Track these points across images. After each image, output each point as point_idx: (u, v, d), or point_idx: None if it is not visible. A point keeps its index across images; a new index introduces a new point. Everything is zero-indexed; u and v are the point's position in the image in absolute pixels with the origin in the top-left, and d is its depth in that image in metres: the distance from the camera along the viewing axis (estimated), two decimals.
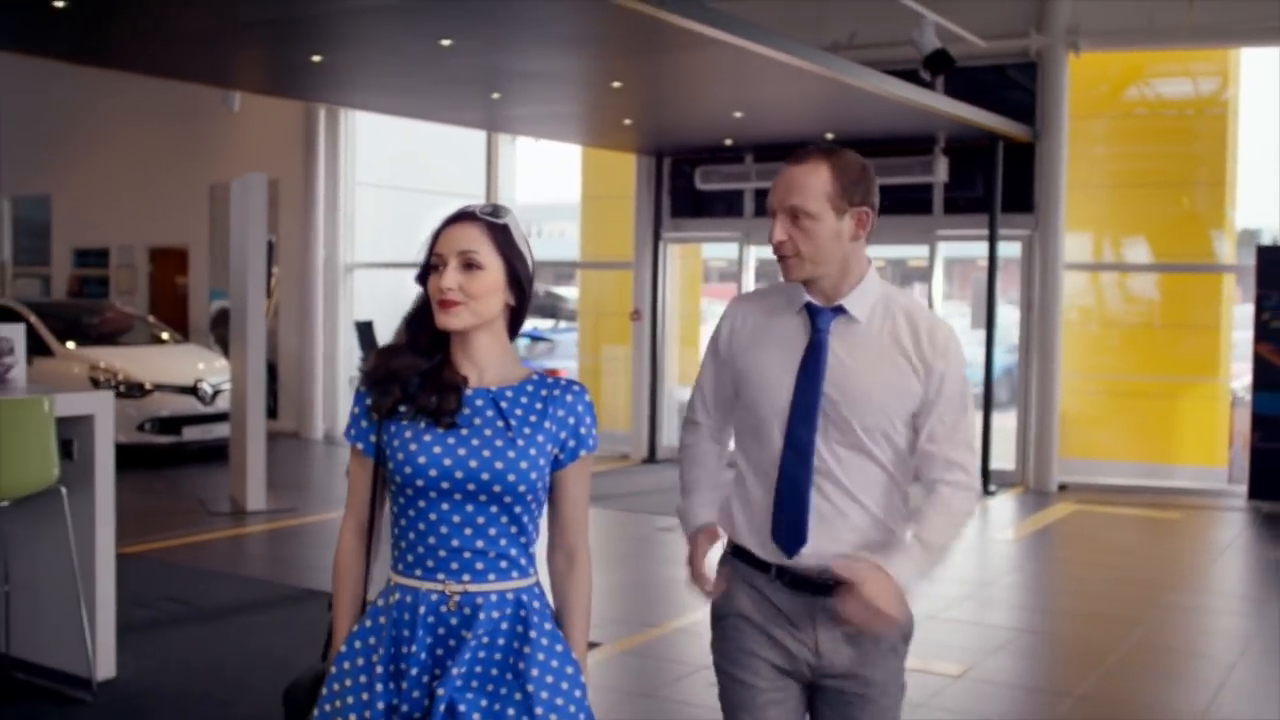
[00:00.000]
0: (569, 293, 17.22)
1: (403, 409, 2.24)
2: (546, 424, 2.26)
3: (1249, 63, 11.22)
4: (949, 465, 2.52)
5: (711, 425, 2.76)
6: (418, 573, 2.21)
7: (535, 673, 2.18)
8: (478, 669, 2.17)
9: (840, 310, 2.54)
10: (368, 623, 2.25)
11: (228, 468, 10.05)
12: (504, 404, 2.25)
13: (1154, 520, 9.80)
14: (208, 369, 12.20)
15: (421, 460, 2.18)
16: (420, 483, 2.18)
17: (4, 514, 5.01)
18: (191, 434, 11.79)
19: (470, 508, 2.20)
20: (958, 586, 7.20)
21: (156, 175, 15.57)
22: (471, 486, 2.19)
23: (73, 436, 5.06)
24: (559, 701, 2.18)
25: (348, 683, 2.22)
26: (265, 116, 14.02)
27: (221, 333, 14.44)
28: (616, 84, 8.55)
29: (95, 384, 11.23)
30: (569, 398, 2.30)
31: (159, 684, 5.15)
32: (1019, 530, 9.41)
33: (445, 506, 2.19)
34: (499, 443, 2.21)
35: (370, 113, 12.49)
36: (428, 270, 2.25)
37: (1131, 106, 11.60)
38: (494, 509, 2.21)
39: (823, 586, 2.50)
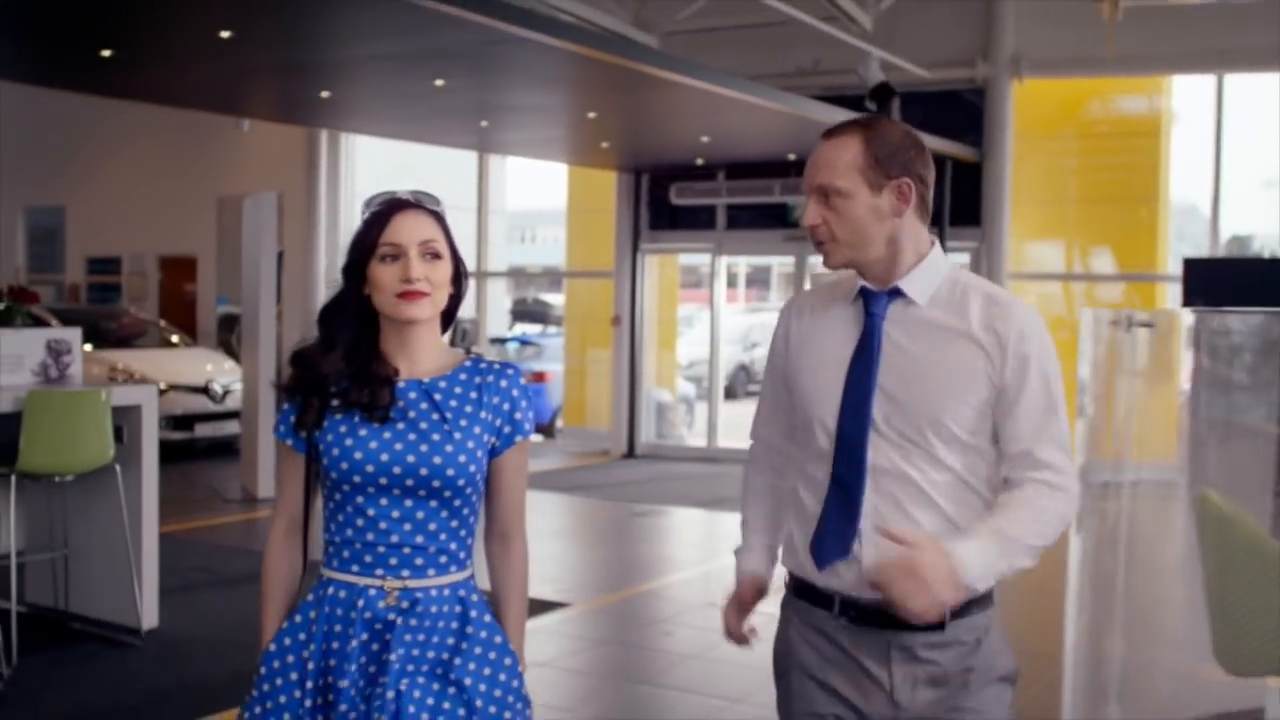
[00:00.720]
0: (556, 300, 18.18)
1: (334, 403, 2.20)
2: (483, 413, 2.22)
3: (1180, 88, 12.22)
4: (1036, 464, 2.19)
5: (770, 440, 2.51)
6: (355, 568, 2.18)
7: (473, 666, 2.17)
8: (418, 664, 2.16)
9: (897, 293, 2.26)
10: (298, 618, 2.23)
11: (236, 461, 11.01)
12: (438, 395, 2.20)
13: None
14: (216, 370, 13.12)
15: (357, 456, 2.15)
16: (357, 479, 2.15)
17: (66, 488, 5.96)
18: (203, 430, 12.70)
19: (409, 502, 2.17)
20: None
21: (166, 188, 16.52)
22: (410, 482, 2.15)
23: (123, 424, 6.01)
24: (497, 693, 2.19)
25: (278, 681, 2.20)
26: (270, 134, 14.96)
27: (226, 336, 15.45)
28: (592, 114, 9.55)
29: (114, 384, 12.17)
30: (503, 383, 2.26)
31: (195, 633, 6.09)
32: None
33: (383, 502, 2.16)
34: (435, 436, 2.17)
35: (371, 136, 13.49)
36: (364, 261, 2.19)
37: (1073, 128, 12.57)
38: (433, 503, 2.18)
39: (894, 620, 2.13)
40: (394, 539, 2.16)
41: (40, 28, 6.77)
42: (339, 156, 15.16)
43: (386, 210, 2.20)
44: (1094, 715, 4.51)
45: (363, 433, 2.16)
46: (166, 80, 8.50)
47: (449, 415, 2.19)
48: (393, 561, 2.16)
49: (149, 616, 6.04)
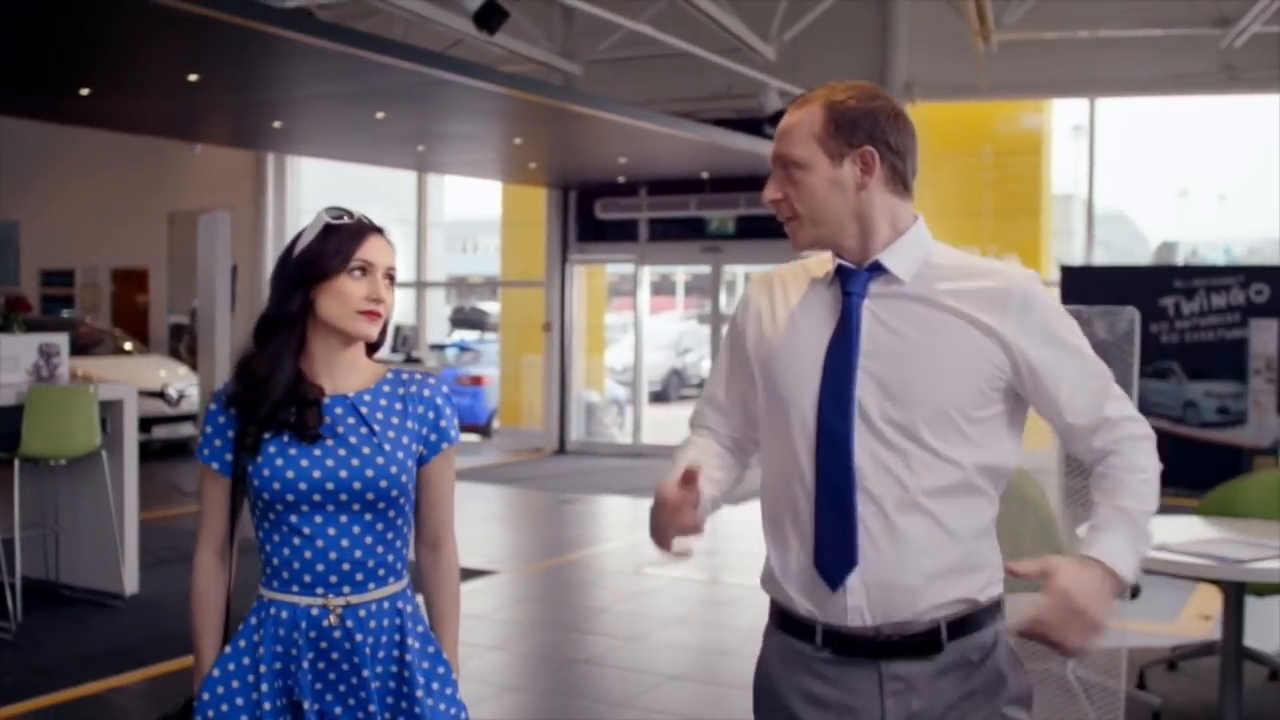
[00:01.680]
0: (492, 307, 19.12)
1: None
2: (409, 423, 2.26)
3: (1059, 111, 13.46)
4: (1114, 424, 2.01)
5: (726, 432, 2.25)
6: (295, 589, 2.20)
7: (421, 679, 2.24)
8: (375, 684, 2.19)
9: (878, 268, 2.02)
10: (241, 643, 2.24)
11: (190, 460, 11.92)
12: (364, 409, 2.24)
13: None
14: (170, 375, 13.91)
15: (290, 475, 2.17)
16: (291, 498, 2.17)
17: (59, 473, 6.88)
18: (159, 432, 13.52)
19: (344, 518, 2.20)
20: None
21: (119, 203, 17.31)
22: (344, 497, 2.18)
23: (107, 417, 6.94)
24: (441, 706, 2.26)
25: (224, 708, 2.20)
26: (220, 152, 15.78)
27: (176, 344, 16.35)
28: (518, 140, 10.61)
29: None
30: (426, 392, 2.30)
31: (170, 598, 7.01)
32: None
33: (319, 520, 2.19)
34: (365, 449, 2.20)
35: (316, 159, 14.47)
36: (330, 273, 2.20)
37: (964, 147, 13.74)
38: (368, 516, 2.21)
39: (884, 647, 1.98)
40: (332, 556, 2.19)
41: (28, 69, 7.72)
42: (285, 174, 16.07)
43: (361, 230, 2.24)
44: None
45: (293, 452, 2.18)
46: (133, 112, 9.43)
47: (376, 428, 2.22)
48: (332, 579, 2.20)
49: (130, 583, 6.98)
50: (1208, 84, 11.74)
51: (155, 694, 5.44)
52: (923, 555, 1.96)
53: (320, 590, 2.21)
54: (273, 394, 2.20)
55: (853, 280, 2.05)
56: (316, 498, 2.19)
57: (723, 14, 10.69)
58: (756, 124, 11.55)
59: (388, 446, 2.22)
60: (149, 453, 13.54)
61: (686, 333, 22.05)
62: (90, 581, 7.01)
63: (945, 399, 1.97)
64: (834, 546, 1.99)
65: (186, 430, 13.21)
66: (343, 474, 2.19)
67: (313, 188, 16.31)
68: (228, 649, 2.26)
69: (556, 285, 14.74)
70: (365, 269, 2.23)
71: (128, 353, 14.79)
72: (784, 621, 2.11)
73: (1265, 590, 4.97)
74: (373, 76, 7.56)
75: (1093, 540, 1.94)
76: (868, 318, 2.02)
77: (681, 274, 23.22)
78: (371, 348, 2.32)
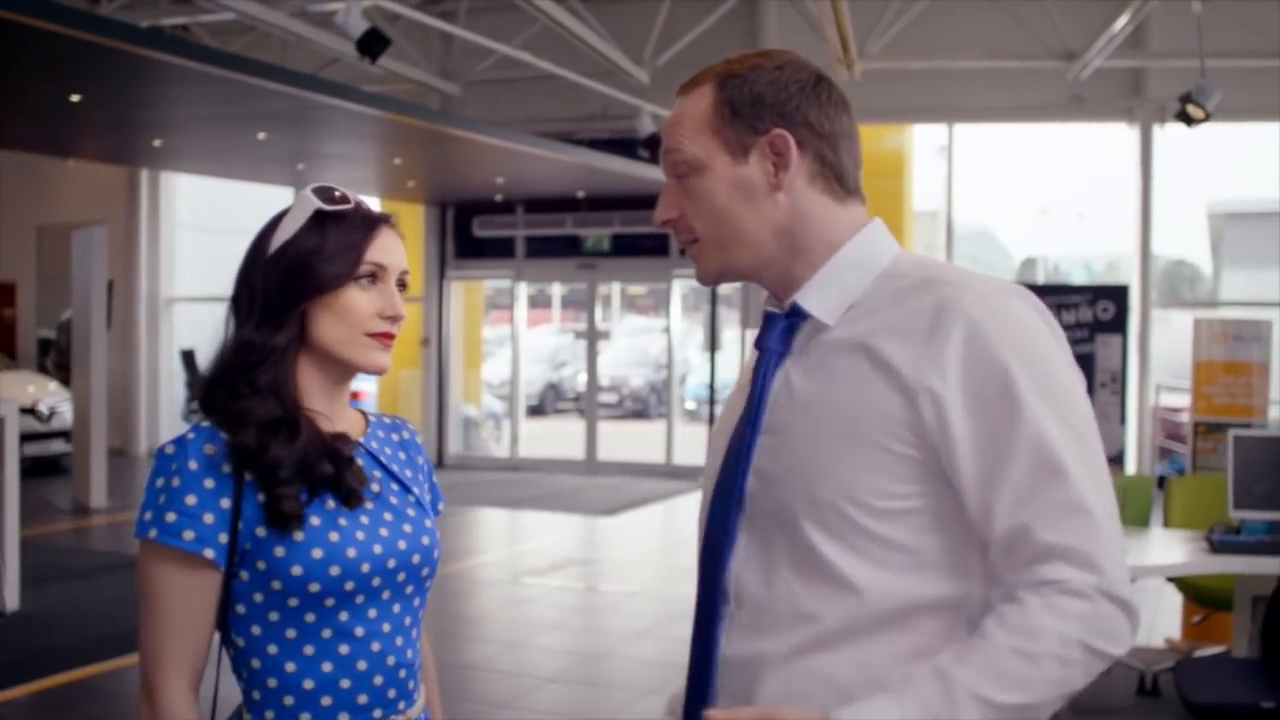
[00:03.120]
0: None
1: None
2: (419, 477, 1.81)
3: (920, 132, 14.09)
4: (1037, 555, 1.30)
5: None
6: (343, 718, 1.63)
7: None
8: None
9: (796, 313, 1.48)
10: None
11: (64, 477, 11.85)
12: (384, 459, 1.75)
13: None
14: (40, 391, 13.74)
15: (350, 554, 1.60)
16: (350, 585, 1.60)
17: None
18: (30, 449, 13.32)
19: (397, 607, 1.68)
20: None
21: None
22: (402, 577, 1.67)
23: None
24: None
25: None
26: (92, 165, 15.63)
27: (42, 360, 16.11)
28: (397, 160, 10.81)
29: None
30: (420, 439, 1.88)
31: (53, 613, 7.09)
32: None
33: (373, 614, 1.65)
34: (411, 513, 1.72)
35: (196, 176, 14.47)
36: (333, 282, 1.65)
37: None
38: (416, 601, 1.71)
39: None
40: (390, 661, 1.66)
41: None
42: (159, 188, 15.96)
43: (369, 220, 1.69)
44: None
45: (343, 522, 1.62)
46: (9, 131, 9.42)
47: (407, 481, 1.75)
48: (391, 694, 1.66)
49: (11, 599, 7.02)
50: (1057, 113, 12.43)
51: (37, 709, 5.56)
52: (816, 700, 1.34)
53: (378, 713, 1.65)
54: (301, 444, 1.61)
55: (769, 332, 1.51)
56: (376, 582, 1.64)
57: (596, 39, 11.03)
58: (632, 145, 11.92)
59: (424, 502, 1.77)
60: (20, 470, 13.39)
61: (563, 346, 22.29)
62: None
63: (838, 483, 1.37)
64: (693, 691, 1.49)
65: (57, 447, 13.11)
66: (402, 546, 1.68)
67: (188, 200, 16.22)
68: None
69: (434, 301, 14.93)
70: (376, 275, 1.69)
71: None
72: None
73: None
74: (253, 100, 7.72)
75: (859, 704, 1.29)
76: (779, 383, 1.47)
77: (558, 288, 23.49)
78: None
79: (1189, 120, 9.85)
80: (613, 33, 11.79)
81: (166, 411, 16.00)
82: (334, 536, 1.60)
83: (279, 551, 1.58)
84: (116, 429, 16.07)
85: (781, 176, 1.47)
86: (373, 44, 7.73)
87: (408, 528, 1.69)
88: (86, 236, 11.26)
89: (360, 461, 1.69)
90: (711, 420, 13.36)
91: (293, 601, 1.59)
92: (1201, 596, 5.78)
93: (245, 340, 1.66)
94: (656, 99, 12.33)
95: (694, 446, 13.65)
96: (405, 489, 1.74)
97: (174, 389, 15.83)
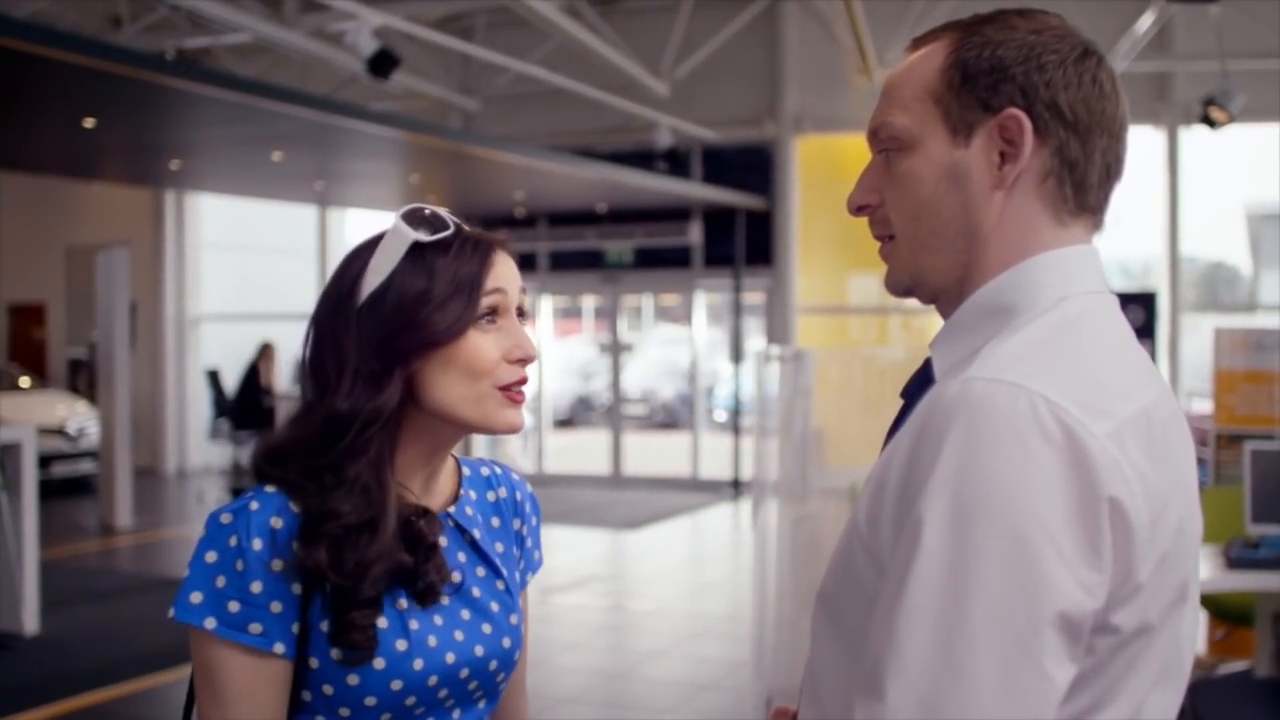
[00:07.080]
0: None
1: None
2: (513, 549, 1.53)
3: None
4: None
5: None
6: None
7: None
8: None
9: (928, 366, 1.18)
10: None
11: (92, 497, 11.92)
12: (475, 532, 1.46)
13: None
14: (69, 411, 13.85)
15: (418, 665, 1.35)
16: (411, 701, 1.36)
17: None
18: (59, 470, 13.46)
19: (458, 713, 1.42)
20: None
21: (14, 237, 17.15)
22: (474, 685, 1.41)
23: (4, 459, 7.02)
24: None
25: None
26: (118, 187, 15.82)
27: (73, 380, 16.25)
28: (414, 178, 10.83)
29: None
30: (518, 495, 1.58)
31: (73, 637, 7.11)
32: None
33: None
34: (494, 605, 1.44)
35: (216, 195, 14.57)
36: (433, 336, 1.35)
37: (849, 176, 14.19)
38: (482, 704, 1.45)
39: None
40: None
41: None
42: (184, 207, 16.07)
43: (481, 246, 1.40)
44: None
45: (415, 625, 1.36)
46: (29, 155, 9.50)
47: (498, 563, 1.47)
48: None
49: (31, 623, 7.05)
50: None
51: None
52: None
53: None
54: (387, 537, 1.32)
55: (915, 378, 1.21)
56: (444, 694, 1.38)
57: (614, 52, 11.02)
58: (652, 158, 11.92)
59: (513, 592, 1.48)
60: (49, 490, 13.45)
61: (593, 358, 22.22)
62: None
63: (832, 591, 1.15)
64: None
65: (85, 467, 13.18)
66: (479, 651, 1.40)
67: (214, 220, 16.32)
68: None
69: None
70: (497, 310, 1.39)
71: (24, 389, 14.68)
72: None
73: None
74: (270, 121, 7.75)
75: None
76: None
77: (590, 299, 23.47)
78: None
79: (1212, 123, 9.73)
80: (631, 45, 11.79)
81: (194, 430, 16.10)
82: (401, 645, 1.33)
83: (341, 659, 1.32)
84: (145, 448, 16.23)
85: (1007, 170, 1.12)
86: (383, 64, 7.75)
87: (487, 627, 1.41)
88: (110, 258, 11.33)
89: (444, 540, 1.40)
90: (738, 431, 13.29)
91: (344, 711, 1.33)
92: (1222, 611, 5.68)
93: (334, 413, 1.34)
94: (676, 112, 12.32)
95: (720, 459, 13.61)
96: (494, 571, 1.45)
97: (201, 408, 15.90)
